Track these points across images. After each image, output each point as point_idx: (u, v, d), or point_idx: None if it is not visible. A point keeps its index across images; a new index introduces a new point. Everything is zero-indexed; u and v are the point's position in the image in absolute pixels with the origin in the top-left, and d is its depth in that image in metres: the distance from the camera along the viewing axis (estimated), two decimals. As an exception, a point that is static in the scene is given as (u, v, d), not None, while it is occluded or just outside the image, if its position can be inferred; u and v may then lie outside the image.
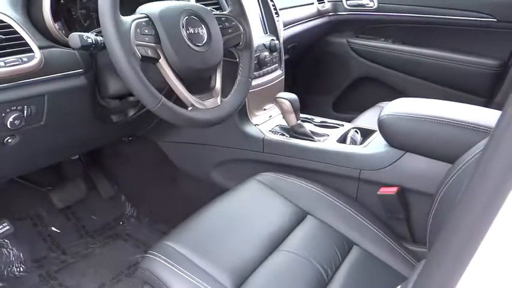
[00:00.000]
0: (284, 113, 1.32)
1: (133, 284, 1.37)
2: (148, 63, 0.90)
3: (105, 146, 1.49)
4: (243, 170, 1.36)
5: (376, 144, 1.20)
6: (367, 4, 2.01)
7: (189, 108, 0.94)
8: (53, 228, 1.54)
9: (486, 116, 1.07)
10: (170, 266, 0.89)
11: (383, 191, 1.13)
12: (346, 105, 2.18)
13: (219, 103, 1.01)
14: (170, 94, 0.96)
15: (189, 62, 0.92)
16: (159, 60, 0.89)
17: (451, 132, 1.05)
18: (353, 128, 1.34)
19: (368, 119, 1.59)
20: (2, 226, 1.32)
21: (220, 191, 1.15)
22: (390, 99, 1.72)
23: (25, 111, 0.89)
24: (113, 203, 1.70)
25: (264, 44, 1.43)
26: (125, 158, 1.65)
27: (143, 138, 1.50)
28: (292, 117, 1.32)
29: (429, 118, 1.07)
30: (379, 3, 2.00)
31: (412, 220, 1.13)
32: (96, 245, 1.53)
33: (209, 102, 0.98)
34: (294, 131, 1.33)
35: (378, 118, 1.15)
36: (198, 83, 1.01)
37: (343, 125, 1.39)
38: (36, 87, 0.90)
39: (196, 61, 0.94)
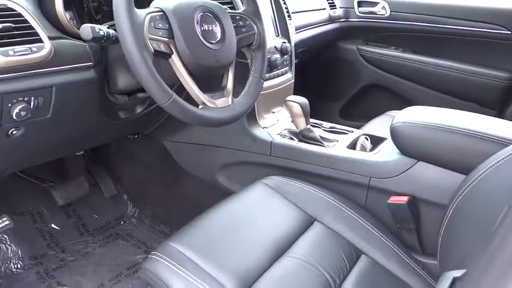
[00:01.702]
0: (294, 117, 1.30)
1: (133, 285, 1.34)
2: (160, 58, 0.88)
3: (109, 143, 1.46)
4: (249, 173, 1.34)
5: (388, 152, 1.17)
6: (379, 12, 1.99)
7: (200, 107, 0.92)
8: (52, 226, 1.51)
9: (502, 127, 1.05)
10: (173, 267, 0.86)
11: (393, 199, 1.10)
12: (354, 112, 2.15)
13: (230, 103, 0.98)
14: (180, 91, 0.94)
15: (202, 59, 0.90)
16: (172, 56, 0.87)
17: (466, 142, 1.02)
18: (363, 134, 1.32)
19: (376, 127, 1.57)
20: (1, 221, 1.29)
21: (225, 193, 1.12)
22: (399, 108, 1.70)
23: (32, 103, 0.87)
24: (115, 202, 1.67)
25: (275, 47, 1.41)
26: (129, 157, 1.62)
27: (148, 137, 1.47)
28: (302, 121, 1.29)
29: (443, 127, 1.05)
30: (391, 11, 1.98)
31: (422, 231, 1.10)
32: (96, 244, 1.50)
33: (220, 102, 0.96)
34: (302, 135, 1.30)
35: (391, 125, 1.12)
36: (210, 82, 0.99)
37: (352, 131, 1.37)
38: (45, 79, 0.88)
39: (209, 59, 0.92)
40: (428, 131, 1.07)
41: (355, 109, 2.15)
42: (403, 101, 1.95)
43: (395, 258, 1.03)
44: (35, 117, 0.90)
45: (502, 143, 0.97)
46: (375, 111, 1.73)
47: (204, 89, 0.94)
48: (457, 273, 0.49)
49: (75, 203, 1.57)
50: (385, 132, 1.32)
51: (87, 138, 1.17)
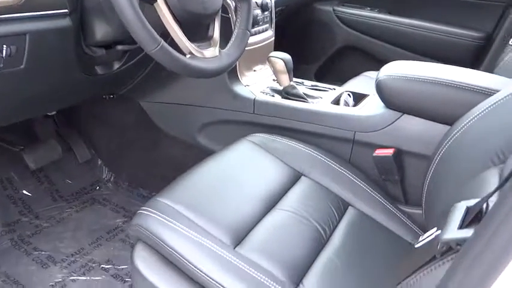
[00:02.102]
0: (277, 73, 1.28)
1: (115, 248, 1.31)
2: (145, 3, 0.82)
3: (82, 104, 1.39)
4: (232, 133, 1.31)
5: (372, 106, 1.18)
6: (355, -29, 1.97)
7: (187, 56, 0.88)
8: (24, 192, 1.44)
9: (485, 78, 1.07)
10: (165, 221, 0.84)
11: (379, 152, 1.12)
12: (329, 74, 2.15)
13: (218, 54, 0.95)
14: (165, 40, 0.89)
15: (189, 5, 0.86)
16: (158, 1, 0.82)
17: (450, 93, 1.04)
18: (346, 91, 1.32)
19: (355, 86, 1.57)
20: (-31, 187, 1.21)
21: (206, 154, 1.09)
22: (374, 69, 1.72)
23: (4, 51, 0.80)
24: (89, 167, 1.61)
25: (256, 2, 1.37)
26: (104, 119, 1.55)
27: (124, 98, 1.41)
28: (285, 78, 1.27)
29: (428, 79, 1.06)
30: (367, -29, 1.96)
31: (407, 182, 1.13)
32: (72, 210, 1.45)
33: (208, 52, 0.92)
34: (286, 92, 1.29)
35: (376, 79, 1.12)
36: (196, 31, 0.94)
37: (334, 89, 1.36)
38: (17, 25, 0.81)
39: (197, 5, 0.87)
40: (413, 83, 1.08)
41: (330, 71, 2.15)
42: (378, 63, 1.95)
43: (381, 209, 1.05)
44: (7, 68, 0.83)
45: (486, 93, 1.00)
46: (351, 73, 1.73)
47: (190, 38, 0.90)
48: (471, 202, 0.49)
49: (46, 168, 1.50)
50: (366, 91, 1.33)
51: (61, 95, 1.10)
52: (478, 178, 0.76)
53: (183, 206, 0.88)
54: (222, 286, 0.75)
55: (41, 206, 1.43)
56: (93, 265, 1.24)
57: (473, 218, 0.45)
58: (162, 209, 0.87)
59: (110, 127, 1.55)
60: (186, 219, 0.85)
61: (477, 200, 0.49)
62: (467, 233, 0.44)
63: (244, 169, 1.06)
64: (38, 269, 1.21)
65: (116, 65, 1.14)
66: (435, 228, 0.54)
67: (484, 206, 0.45)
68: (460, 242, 0.44)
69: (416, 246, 0.56)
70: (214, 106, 1.34)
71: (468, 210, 0.48)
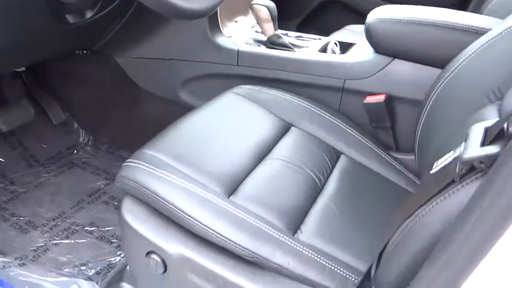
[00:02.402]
0: (261, 22, 1.22)
1: (98, 211, 1.26)
2: None
3: (54, 60, 1.29)
4: (215, 87, 1.25)
5: (361, 53, 1.14)
6: None
7: (170, -5, 0.81)
8: (-4, 157, 1.36)
9: (475, 19, 1.05)
10: (153, 171, 0.80)
11: (370, 99, 1.09)
12: (311, 29, 2.08)
13: (201, -6, 0.88)
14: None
15: None
16: None
17: (441, 34, 1.01)
18: (332, 41, 1.27)
19: (339, 38, 1.53)
20: None
21: (189, 111, 1.04)
22: (356, 23, 1.68)
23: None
24: (65, 130, 1.53)
25: None
26: (78, 78, 1.46)
27: (99, 54, 1.32)
28: (270, 27, 1.22)
29: (419, 21, 1.03)
30: None
31: (398, 129, 1.11)
32: (49, 174, 1.38)
33: (191, -9, 0.85)
34: (271, 42, 1.23)
35: (365, 24, 1.08)
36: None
37: (320, 39, 1.32)
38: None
39: None
40: (403, 26, 1.04)
41: (312, 25, 2.08)
42: (360, 16, 1.90)
43: (374, 156, 1.03)
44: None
45: (478, 31, 0.97)
46: (333, 28, 1.68)
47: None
48: (489, 123, 0.47)
49: (19, 132, 1.42)
50: (352, 41, 1.29)
51: (31, 45, 1.01)
52: (476, 116, 0.74)
53: (170, 157, 0.84)
54: (220, 235, 0.72)
55: (15, 172, 1.36)
56: (77, 228, 1.19)
57: (495, 137, 0.42)
58: (149, 160, 0.82)
59: (84, 86, 1.47)
60: (174, 170, 0.81)
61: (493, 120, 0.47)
62: (492, 149, 0.41)
63: (231, 120, 1.01)
64: (18, 234, 1.16)
65: (89, 14, 1.05)
66: (451, 152, 0.51)
67: (505, 125, 0.43)
68: (484, 160, 0.41)
69: (431, 172, 0.54)
70: (196, 59, 1.27)
71: (487, 131, 0.45)
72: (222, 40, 1.25)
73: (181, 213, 0.74)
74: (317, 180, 0.90)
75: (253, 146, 0.93)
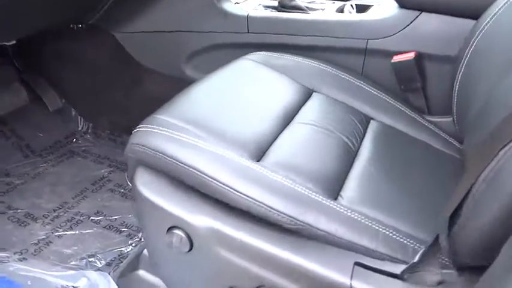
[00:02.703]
0: (271, -15, 1.12)
1: (103, 199, 1.15)
2: None
3: (47, 37, 1.19)
4: (224, 59, 1.15)
5: (384, 10, 1.05)
6: None
7: None
8: (-12, 149, 1.26)
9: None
10: (171, 135, 0.70)
11: (397, 58, 0.99)
12: None
13: None
14: None
15: None
16: None
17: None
18: (348, 2, 1.18)
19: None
20: None
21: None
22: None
23: None
24: (62, 118, 1.42)
25: None
26: (74, 59, 1.35)
27: (95, 28, 1.22)
28: (281, -11, 1.12)
29: (448, -33, 0.94)
30: None
31: (429, 89, 1.02)
32: (47, 164, 1.27)
33: None
34: (282, 6, 1.14)
35: None
36: None
37: (334, 2, 1.22)
38: None
39: None
40: (432, -26, 0.95)
41: None
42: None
43: (407, 120, 0.94)
44: None
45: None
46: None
47: None
48: None
49: (12, 120, 1.31)
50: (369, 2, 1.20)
51: (20, 15, 0.91)
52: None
53: (187, 122, 0.73)
54: (256, 201, 0.62)
55: (10, 163, 1.25)
56: (81, 218, 1.09)
57: None
58: (164, 124, 0.72)
59: (81, 68, 1.36)
60: (193, 133, 0.71)
61: None
62: None
63: (248, 85, 0.91)
64: (16, 228, 1.05)
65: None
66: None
67: None
68: None
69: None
70: (201, 30, 1.17)
71: None
72: (229, 6, 1.15)
73: (206, 178, 0.64)
74: (350, 144, 0.81)
75: (276, 111, 0.84)
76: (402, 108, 0.96)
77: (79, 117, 1.43)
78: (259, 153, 0.72)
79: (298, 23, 1.08)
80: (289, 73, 0.97)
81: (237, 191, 0.62)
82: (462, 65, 0.87)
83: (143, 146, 0.69)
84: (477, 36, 0.84)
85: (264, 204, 0.62)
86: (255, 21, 1.12)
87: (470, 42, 0.86)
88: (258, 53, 1.04)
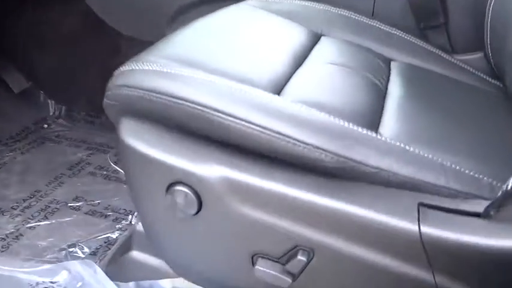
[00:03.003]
0: None
1: (83, 184, 0.99)
2: None
3: (8, 7, 1.02)
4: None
5: None
6: None
7: None
8: None
9: None
10: (165, 70, 0.55)
11: (415, -8, 0.87)
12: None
13: None
14: None
15: None
16: None
17: None
18: None
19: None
20: None
21: None
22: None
23: None
24: (29, 102, 1.25)
25: None
26: (41, 33, 1.17)
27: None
28: None
29: None
30: None
31: (453, 25, 0.89)
32: (14, 153, 1.10)
33: None
34: None
35: None
36: None
37: None
38: None
39: None
40: None
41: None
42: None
43: (433, 59, 0.81)
44: None
45: None
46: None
47: None
48: None
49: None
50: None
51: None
52: None
53: (182, 62, 0.58)
54: (276, 132, 0.47)
55: (-30, 155, 1.07)
56: (57, 206, 0.92)
57: None
58: (152, 61, 0.57)
59: (49, 42, 1.19)
60: (192, 71, 0.56)
61: None
62: None
63: (250, 28, 0.77)
64: (-21, 224, 0.88)
65: None
66: None
67: None
68: None
69: None
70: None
71: None
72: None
73: (216, 114, 0.49)
74: (378, 83, 0.67)
75: (284, 53, 0.69)
76: (425, 46, 0.83)
77: (49, 100, 1.26)
78: (278, 88, 0.58)
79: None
80: (294, 18, 0.83)
81: (257, 125, 0.48)
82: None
83: (130, 87, 0.54)
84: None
85: (292, 138, 0.47)
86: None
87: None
88: (256, -1, 0.90)
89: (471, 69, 0.81)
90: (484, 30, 0.80)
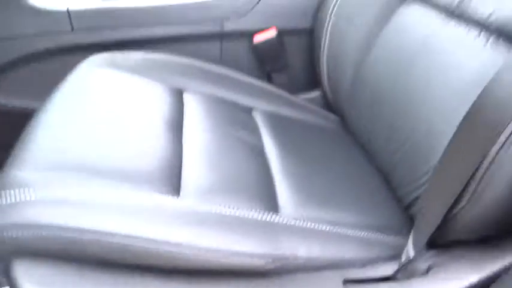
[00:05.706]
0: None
1: None
2: None
3: None
4: (48, 71, 0.90)
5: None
6: None
7: None
8: None
9: None
10: (48, 196, 0.47)
11: (259, 39, 0.93)
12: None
13: None
14: None
15: None
16: None
17: None
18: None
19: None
20: None
21: (18, 116, 0.69)
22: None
23: None
24: None
25: None
26: None
27: None
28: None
29: None
30: None
31: (292, 66, 0.98)
32: None
33: None
34: (110, -7, 0.92)
35: None
36: None
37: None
38: None
39: None
40: None
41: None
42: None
43: (284, 103, 0.88)
44: None
45: None
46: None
47: None
48: None
49: None
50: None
51: None
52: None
53: (60, 169, 0.51)
54: (206, 248, 0.46)
55: None
56: None
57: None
58: (30, 183, 0.48)
59: None
60: (76, 182, 0.49)
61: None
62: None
63: (109, 99, 0.70)
64: None
65: None
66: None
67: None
68: None
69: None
70: (5, 36, 0.86)
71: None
72: (41, 3, 0.87)
73: (125, 241, 0.45)
74: (254, 144, 0.71)
75: (157, 125, 0.66)
76: (274, 91, 0.90)
77: None
78: (174, 184, 0.56)
79: (138, 12, 0.90)
80: (149, 74, 0.79)
81: (183, 244, 0.46)
82: (325, 37, 0.86)
83: (21, 225, 0.44)
84: (335, 6, 0.85)
85: (219, 249, 0.47)
86: (80, 16, 0.88)
87: (328, 12, 0.86)
88: (97, 55, 0.81)
89: (317, 109, 0.91)
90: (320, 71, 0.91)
